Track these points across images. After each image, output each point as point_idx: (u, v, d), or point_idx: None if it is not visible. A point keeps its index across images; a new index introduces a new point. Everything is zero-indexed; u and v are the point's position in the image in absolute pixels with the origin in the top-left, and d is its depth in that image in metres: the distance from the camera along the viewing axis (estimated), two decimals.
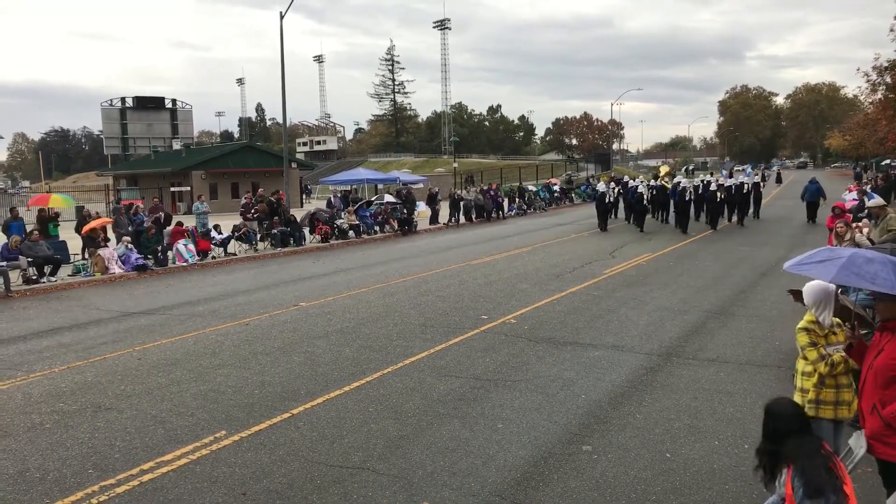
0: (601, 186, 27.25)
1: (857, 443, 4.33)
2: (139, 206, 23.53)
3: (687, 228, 23.59)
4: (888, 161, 53.78)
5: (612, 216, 27.87)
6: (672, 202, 25.16)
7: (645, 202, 25.56)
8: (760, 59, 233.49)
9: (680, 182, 25.04)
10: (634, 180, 29.40)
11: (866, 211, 12.35)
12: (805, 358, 4.76)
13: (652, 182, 28.71)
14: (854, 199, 19.91)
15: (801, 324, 4.84)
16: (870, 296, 6.82)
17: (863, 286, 4.36)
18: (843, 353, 4.63)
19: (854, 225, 11.63)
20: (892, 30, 28.04)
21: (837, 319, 4.95)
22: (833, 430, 4.63)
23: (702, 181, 27.39)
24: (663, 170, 41.29)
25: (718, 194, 24.60)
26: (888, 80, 29.46)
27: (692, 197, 24.62)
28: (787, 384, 5.09)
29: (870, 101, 42.76)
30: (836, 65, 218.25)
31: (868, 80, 31.96)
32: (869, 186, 25.82)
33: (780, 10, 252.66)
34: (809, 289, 4.88)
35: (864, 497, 4.70)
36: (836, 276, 4.41)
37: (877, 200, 12.66)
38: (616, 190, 28.24)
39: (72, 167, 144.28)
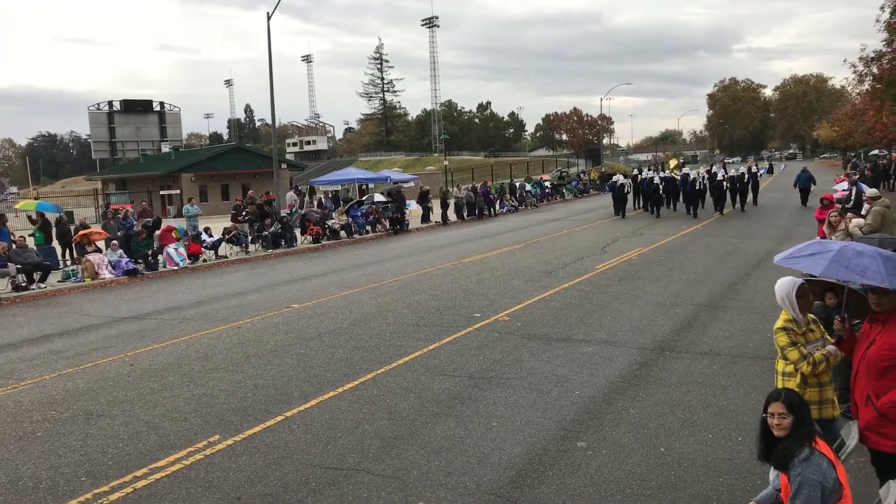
0: (619, 178, 30.59)
1: (849, 433, 4.35)
2: (129, 211, 23.40)
3: (697, 213, 26.93)
4: (876, 151, 54.14)
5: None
6: (682, 191, 28.39)
7: (660, 192, 28.55)
8: (748, 51, 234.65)
9: (689, 173, 28.99)
10: (648, 172, 32.71)
11: (864, 205, 12.35)
12: (785, 358, 4.71)
13: (663, 173, 31.57)
14: (844, 190, 19.97)
15: (779, 323, 4.75)
16: (862, 285, 6.85)
17: (853, 279, 4.36)
18: (828, 350, 4.61)
19: (848, 215, 11.68)
20: (878, 20, 28.15)
21: (812, 315, 4.93)
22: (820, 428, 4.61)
23: (707, 171, 30.33)
24: (672, 162, 43.80)
25: (724, 183, 27.80)
26: (875, 70, 29.55)
27: (702, 186, 27.83)
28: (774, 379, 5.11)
29: (857, 91, 42.96)
30: (823, 56, 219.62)
31: (855, 71, 32.11)
32: (857, 176, 25.95)
33: (767, 1, 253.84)
34: (780, 285, 4.75)
35: (857, 486, 4.72)
36: (825, 270, 4.40)
37: (871, 192, 12.72)
38: (629, 182, 31.00)
39: (60, 172, 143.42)
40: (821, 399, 4.63)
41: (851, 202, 15.79)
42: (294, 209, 27.95)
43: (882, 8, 27.24)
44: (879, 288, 4.10)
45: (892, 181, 36.50)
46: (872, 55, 28.98)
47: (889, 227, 11.14)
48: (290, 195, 31.47)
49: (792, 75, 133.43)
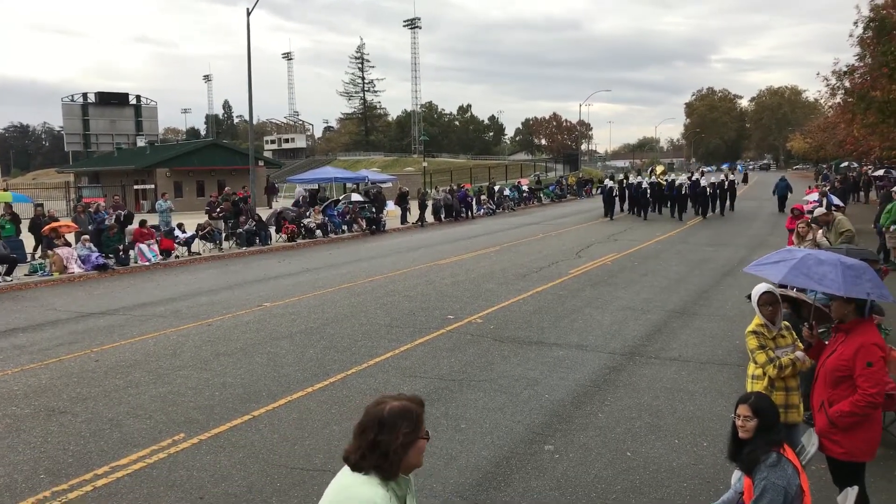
0: (608, 182, 33.48)
1: (810, 440, 4.41)
2: (101, 205, 23.01)
3: (682, 217, 28.87)
4: (847, 163, 55.24)
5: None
6: (669, 196, 30.27)
7: (648, 196, 30.59)
8: (725, 62, 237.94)
9: (675, 179, 31.46)
10: (638, 177, 35.29)
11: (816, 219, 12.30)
12: (755, 361, 4.82)
13: (650, 179, 34.02)
14: (814, 201, 20.33)
15: (750, 327, 4.89)
16: (827, 294, 6.97)
17: (811, 287, 4.45)
18: (796, 355, 4.70)
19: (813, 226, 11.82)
20: (851, 35, 28.67)
21: (786, 322, 5.02)
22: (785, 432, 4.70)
23: (688, 178, 32.14)
24: (659, 168, 45.90)
25: (707, 189, 29.93)
26: (847, 84, 30.09)
27: (687, 192, 29.74)
28: (745, 382, 5.20)
29: (829, 104, 43.76)
30: (798, 69, 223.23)
31: (828, 85, 32.67)
32: (828, 188, 26.44)
33: (744, 14, 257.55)
34: (752, 292, 4.91)
35: (818, 493, 4.79)
36: (785, 277, 4.50)
37: (820, 210, 12.83)
38: (617, 187, 32.89)
39: (31, 164, 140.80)
40: (786, 403, 4.71)
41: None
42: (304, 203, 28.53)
43: (856, 23, 27.77)
44: (839, 296, 4.18)
45: (861, 193, 37.26)
46: (845, 69, 29.50)
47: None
48: (300, 190, 32.86)
49: (767, 87, 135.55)
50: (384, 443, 2.40)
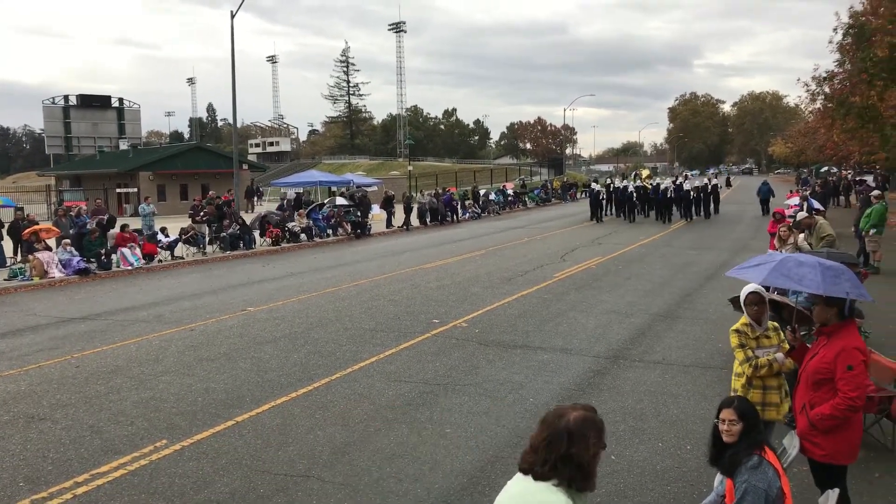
0: (595, 186, 34.09)
1: (791, 442, 4.45)
2: (82, 208, 22.78)
3: (668, 220, 29.47)
4: (827, 168, 55.95)
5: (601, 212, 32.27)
6: (655, 200, 31.14)
7: (634, 199, 31.54)
8: (708, 67, 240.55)
9: (661, 184, 32.44)
10: (624, 181, 36.46)
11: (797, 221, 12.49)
12: (737, 359, 4.91)
13: (636, 183, 34.97)
14: (795, 205, 20.56)
15: (735, 325, 5.01)
16: (809, 299, 7.05)
17: (790, 287, 4.51)
18: (776, 357, 4.76)
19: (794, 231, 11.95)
20: (831, 41, 29.02)
21: (774, 323, 5.09)
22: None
23: (672, 182, 33.19)
24: (645, 172, 46.83)
25: (692, 193, 30.71)
26: (826, 90, 30.43)
27: (672, 196, 30.59)
28: (729, 385, 5.25)
29: (810, 110, 44.30)
30: (779, 74, 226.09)
31: (808, 90, 32.96)
32: (808, 192, 26.76)
33: (726, 19, 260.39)
34: (743, 292, 5.03)
35: (800, 495, 4.83)
36: (766, 278, 4.57)
37: (801, 215, 13.03)
38: (604, 191, 33.70)
39: (11, 167, 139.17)
40: (763, 401, 4.80)
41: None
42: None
43: (835, 30, 28.10)
44: (819, 298, 4.24)
45: (841, 197, 37.72)
46: (825, 75, 29.82)
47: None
48: (291, 193, 33.12)
49: (749, 92, 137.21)
50: (577, 455, 2.37)
